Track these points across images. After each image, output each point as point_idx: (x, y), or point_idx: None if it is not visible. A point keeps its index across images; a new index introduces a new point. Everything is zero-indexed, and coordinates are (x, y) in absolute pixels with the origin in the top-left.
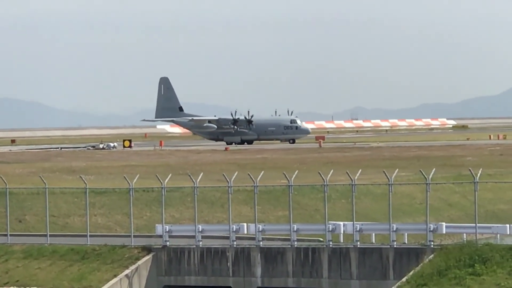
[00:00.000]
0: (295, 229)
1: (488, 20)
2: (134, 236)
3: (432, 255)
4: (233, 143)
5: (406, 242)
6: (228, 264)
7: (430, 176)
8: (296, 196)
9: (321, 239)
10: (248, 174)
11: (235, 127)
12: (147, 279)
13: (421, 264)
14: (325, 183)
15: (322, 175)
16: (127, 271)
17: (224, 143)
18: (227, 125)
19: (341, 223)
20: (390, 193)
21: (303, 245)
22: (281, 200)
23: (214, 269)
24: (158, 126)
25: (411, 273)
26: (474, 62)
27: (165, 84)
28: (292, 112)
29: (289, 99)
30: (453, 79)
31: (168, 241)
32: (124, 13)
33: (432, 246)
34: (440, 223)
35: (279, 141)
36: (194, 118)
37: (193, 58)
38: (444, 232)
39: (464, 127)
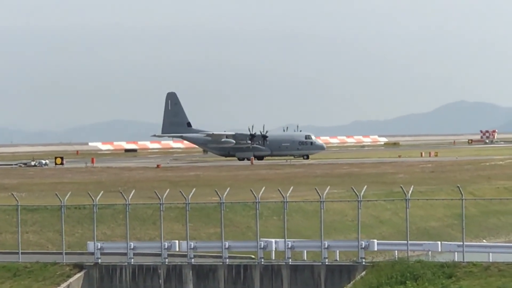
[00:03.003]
0: (227, 246)
1: (420, 38)
2: (66, 254)
3: (363, 272)
4: (245, 159)
5: (337, 259)
6: (160, 281)
7: (362, 193)
8: (228, 213)
9: (253, 256)
10: (180, 191)
11: (252, 142)
12: None
13: (353, 281)
14: (257, 200)
15: (253, 192)
16: None
17: (229, 158)
18: (244, 140)
19: (273, 240)
20: (322, 210)
21: (235, 262)
22: (212, 217)
23: (146, 286)
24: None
25: None
26: (406, 80)
27: (172, 99)
28: (298, 128)
29: (219, 115)
30: (385, 97)
31: (100, 258)
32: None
33: (363, 263)
34: (371, 240)
35: (292, 157)
36: (214, 133)
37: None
38: (375, 249)
39: (395, 144)
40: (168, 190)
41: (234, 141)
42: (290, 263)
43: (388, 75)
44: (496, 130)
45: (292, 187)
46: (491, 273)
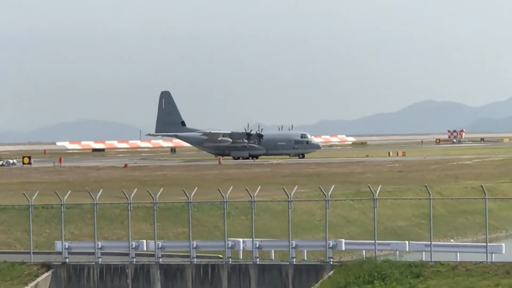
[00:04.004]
0: (194, 245)
1: (388, 38)
2: (34, 253)
3: (331, 272)
4: (240, 158)
5: (305, 258)
6: (128, 280)
7: (329, 193)
8: (196, 212)
9: (221, 256)
10: (148, 191)
11: (248, 141)
12: None
13: (321, 280)
14: (225, 200)
15: (221, 192)
16: None
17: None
18: (240, 139)
19: (241, 239)
20: (290, 209)
21: (203, 261)
22: (180, 217)
23: (114, 286)
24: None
25: None
26: (373, 80)
27: (166, 99)
28: (292, 126)
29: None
30: (353, 96)
31: (68, 258)
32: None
33: (331, 262)
34: (339, 239)
35: (288, 156)
36: (211, 132)
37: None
38: (343, 248)
39: (363, 144)
40: (135, 189)
41: (231, 140)
42: (257, 262)
43: (355, 74)
44: (464, 130)
45: (260, 187)
46: (458, 273)
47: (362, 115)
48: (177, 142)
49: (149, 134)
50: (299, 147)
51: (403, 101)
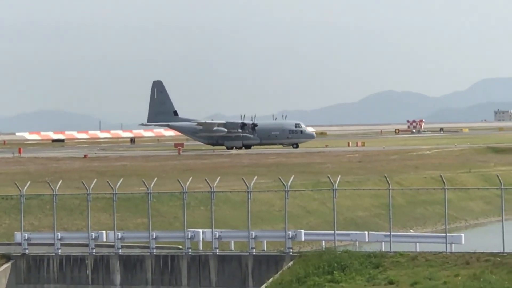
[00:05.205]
0: (154, 236)
1: (348, 28)
2: None
3: (291, 262)
4: (234, 148)
5: (265, 249)
6: (87, 271)
7: (289, 183)
8: (155, 203)
9: (180, 247)
10: (107, 181)
11: (242, 131)
12: (6, 287)
13: (280, 271)
14: (184, 191)
15: (181, 183)
16: None
17: (217, 147)
18: (235, 129)
19: (200, 230)
20: (249, 200)
21: (162, 252)
22: (140, 208)
23: (74, 277)
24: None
25: (270, 280)
26: (332, 70)
27: (158, 88)
28: (286, 116)
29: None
30: (312, 86)
31: (27, 249)
32: None
33: (291, 253)
34: (299, 230)
35: (281, 146)
36: (207, 121)
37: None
38: (303, 239)
39: (323, 134)
40: (95, 180)
41: (226, 130)
42: (217, 253)
43: (314, 64)
44: (423, 120)
45: (219, 177)
46: (418, 263)
47: (322, 105)
48: (137, 133)
49: (142, 124)
50: (293, 136)
51: (363, 91)
